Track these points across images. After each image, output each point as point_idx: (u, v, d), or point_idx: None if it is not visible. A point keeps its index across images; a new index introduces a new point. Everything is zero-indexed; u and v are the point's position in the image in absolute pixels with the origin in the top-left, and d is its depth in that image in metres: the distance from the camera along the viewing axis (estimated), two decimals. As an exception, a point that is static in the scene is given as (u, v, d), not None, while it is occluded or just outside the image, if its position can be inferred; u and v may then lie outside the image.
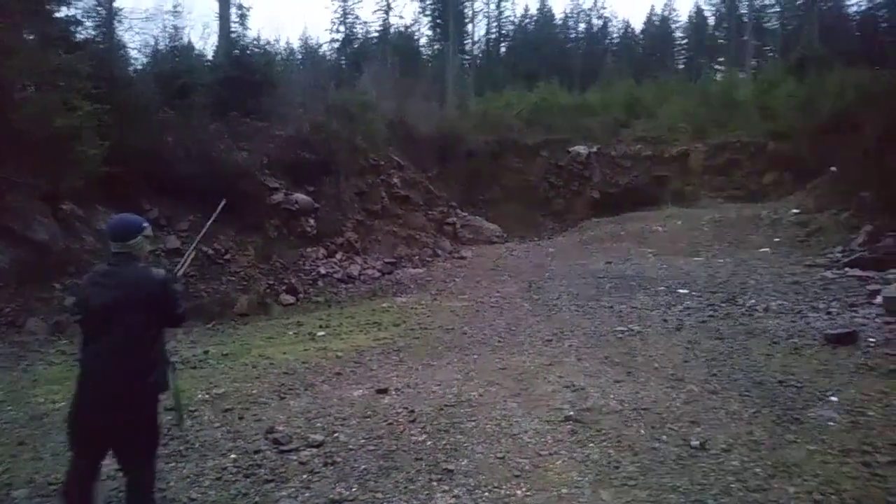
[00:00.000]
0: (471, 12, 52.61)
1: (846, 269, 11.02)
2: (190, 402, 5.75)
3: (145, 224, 3.26)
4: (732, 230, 16.65)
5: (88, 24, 15.99)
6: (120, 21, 18.97)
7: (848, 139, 16.29)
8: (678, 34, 63.06)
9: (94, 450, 3.18)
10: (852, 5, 53.01)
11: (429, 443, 4.64)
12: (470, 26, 53.31)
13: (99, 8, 16.83)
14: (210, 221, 4.72)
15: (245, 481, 4.13)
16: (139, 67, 19.13)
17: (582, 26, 62.58)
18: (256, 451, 4.57)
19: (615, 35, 63.96)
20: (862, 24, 51.02)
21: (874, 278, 10.03)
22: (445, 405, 5.43)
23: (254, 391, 6.13)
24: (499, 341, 8.00)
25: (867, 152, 14.96)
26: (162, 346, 3.30)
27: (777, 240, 15.08)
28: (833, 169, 16.82)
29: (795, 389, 5.44)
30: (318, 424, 5.09)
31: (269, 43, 24.54)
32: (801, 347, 6.86)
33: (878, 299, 8.42)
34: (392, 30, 48.97)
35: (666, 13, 63.09)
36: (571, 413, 5.06)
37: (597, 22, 63.14)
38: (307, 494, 3.95)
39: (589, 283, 12.12)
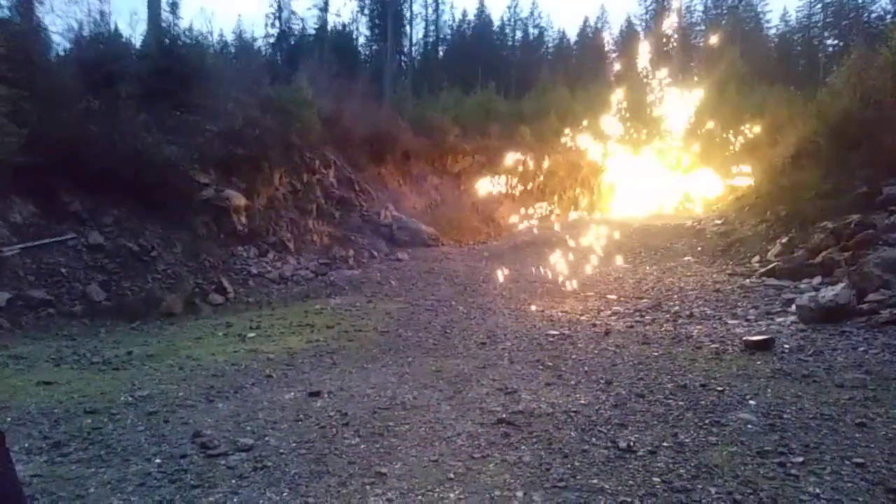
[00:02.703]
0: (409, 14, 52.73)
1: (763, 278, 11.60)
2: (112, 404, 5.50)
3: None
4: (659, 238, 17.28)
5: (4, 3, 15.14)
6: (40, 2, 17.95)
7: (765, 154, 17.21)
8: (610, 46, 65.02)
9: None
10: (771, 28, 56.03)
11: (362, 446, 4.59)
12: (408, 28, 53.40)
13: (16, -13, 15.89)
14: (47, 241, 4.54)
15: (170, 487, 3.97)
16: (61, 53, 18.22)
17: (519, 34, 63.70)
18: (182, 456, 4.41)
19: (550, 44, 65.40)
20: (780, 46, 54.03)
21: (789, 287, 10.60)
22: (379, 408, 5.39)
23: (180, 393, 5.91)
24: (433, 344, 8.03)
25: (781, 168, 15.83)
26: None
27: (700, 249, 15.74)
28: (751, 182, 17.70)
29: (717, 393, 5.68)
30: (248, 428, 4.96)
31: (201, 34, 23.68)
32: (722, 353, 7.17)
33: (793, 307, 8.90)
34: (329, 27, 48.38)
35: (599, 25, 65.01)
36: (504, 416, 5.11)
37: (533, 31, 64.48)
38: (236, 500, 3.83)
39: (521, 287, 12.33)
